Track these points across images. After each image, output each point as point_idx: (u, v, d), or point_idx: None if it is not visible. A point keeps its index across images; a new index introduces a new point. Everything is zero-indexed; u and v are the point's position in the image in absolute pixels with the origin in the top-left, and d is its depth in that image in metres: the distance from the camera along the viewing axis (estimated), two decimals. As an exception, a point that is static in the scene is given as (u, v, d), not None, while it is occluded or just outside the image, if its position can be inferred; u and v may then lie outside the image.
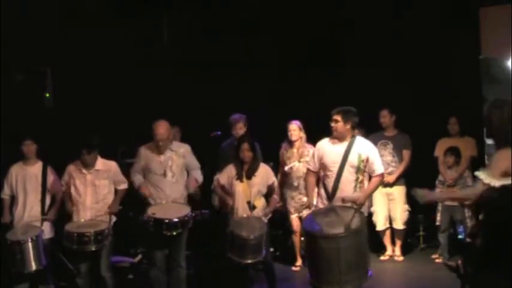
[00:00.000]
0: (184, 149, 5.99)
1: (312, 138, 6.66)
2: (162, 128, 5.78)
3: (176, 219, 5.53)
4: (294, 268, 7.19)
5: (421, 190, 4.20)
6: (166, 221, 5.51)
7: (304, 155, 6.90)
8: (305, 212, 6.74)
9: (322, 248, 4.92)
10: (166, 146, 5.84)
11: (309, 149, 6.89)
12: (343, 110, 5.56)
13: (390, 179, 7.41)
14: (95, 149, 5.89)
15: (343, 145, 5.53)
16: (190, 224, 5.70)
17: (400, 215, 7.54)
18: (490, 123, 3.80)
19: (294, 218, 7.08)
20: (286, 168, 7.00)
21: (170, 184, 5.81)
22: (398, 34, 8.12)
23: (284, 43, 8.51)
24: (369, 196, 5.76)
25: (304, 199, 6.88)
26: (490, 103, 3.88)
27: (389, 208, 7.57)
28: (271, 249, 6.68)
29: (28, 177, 5.99)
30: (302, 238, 7.38)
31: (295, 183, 6.97)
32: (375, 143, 7.29)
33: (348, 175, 5.49)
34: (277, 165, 7.15)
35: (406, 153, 7.48)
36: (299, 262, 7.21)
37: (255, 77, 8.39)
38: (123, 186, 6.02)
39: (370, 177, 5.72)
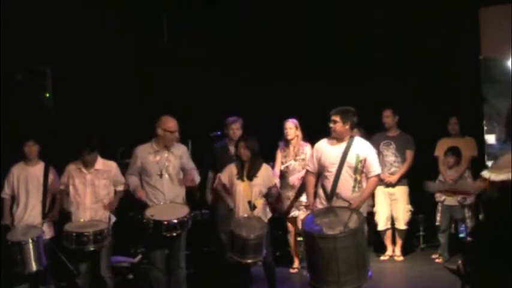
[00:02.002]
0: (181, 150, 5.95)
1: (313, 139, 6.66)
2: (174, 123, 5.76)
3: (175, 220, 5.48)
4: (291, 270, 7.13)
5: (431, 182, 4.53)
6: (165, 222, 5.46)
7: (299, 153, 6.88)
8: (301, 213, 6.75)
9: (320, 248, 4.93)
10: (172, 143, 5.81)
11: (304, 147, 6.88)
12: (342, 110, 5.55)
13: (393, 179, 7.41)
14: (95, 149, 5.89)
15: (342, 146, 5.53)
16: (189, 225, 5.66)
17: (403, 215, 7.54)
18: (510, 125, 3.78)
19: (290, 218, 6.99)
20: (282, 167, 6.94)
21: (167, 185, 5.77)
22: (398, 34, 8.12)
23: (285, 43, 8.51)
24: (366, 200, 5.71)
25: (301, 199, 6.87)
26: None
27: (392, 208, 7.57)
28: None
29: (30, 178, 5.99)
30: (299, 238, 7.41)
31: (291, 183, 6.93)
32: (378, 143, 7.35)
33: (346, 176, 5.49)
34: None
35: (409, 154, 7.48)
36: (296, 263, 7.16)
37: (255, 77, 8.39)
38: (122, 187, 5.99)
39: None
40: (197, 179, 5.98)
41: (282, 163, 6.98)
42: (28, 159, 6.03)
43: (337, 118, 5.50)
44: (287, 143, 6.99)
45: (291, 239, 7.14)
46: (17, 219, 5.95)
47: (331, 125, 5.54)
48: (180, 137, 7.04)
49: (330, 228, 5.03)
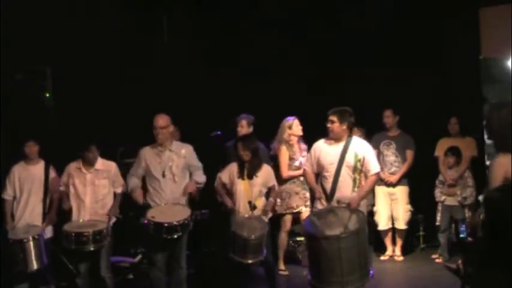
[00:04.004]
0: (186, 149, 5.91)
1: (313, 139, 6.67)
2: (161, 119, 5.73)
3: (176, 223, 5.44)
4: (282, 272, 6.94)
5: None
6: (166, 224, 5.42)
7: (303, 150, 6.89)
8: (307, 210, 6.76)
9: (324, 248, 4.91)
10: (167, 141, 5.78)
11: (302, 145, 6.92)
12: (339, 110, 5.57)
13: (393, 179, 7.42)
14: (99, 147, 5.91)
15: (340, 146, 5.54)
16: (190, 227, 5.63)
17: (403, 215, 7.54)
18: (489, 125, 3.77)
19: (288, 217, 6.95)
20: (296, 163, 6.88)
21: (170, 185, 5.74)
22: (398, 34, 8.12)
23: (284, 43, 8.51)
24: (365, 197, 5.70)
25: (308, 194, 6.87)
26: (491, 105, 3.85)
27: (392, 208, 7.57)
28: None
29: (31, 178, 6.00)
30: (298, 238, 7.39)
31: (301, 178, 6.83)
32: (378, 143, 7.37)
33: (346, 175, 5.50)
34: (276, 166, 7.09)
35: (409, 154, 7.48)
36: (282, 265, 6.99)
37: (255, 76, 8.39)
38: (120, 189, 5.98)
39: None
40: (202, 179, 5.93)
41: (293, 159, 6.93)
42: (29, 158, 6.04)
43: (334, 118, 5.52)
44: (292, 140, 6.95)
45: (284, 237, 7.02)
46: (17, 218, 5.96)
47: (329, 125, 5.56)
48: (180, 135, 7.10)
49: (330, 229, 5.03)
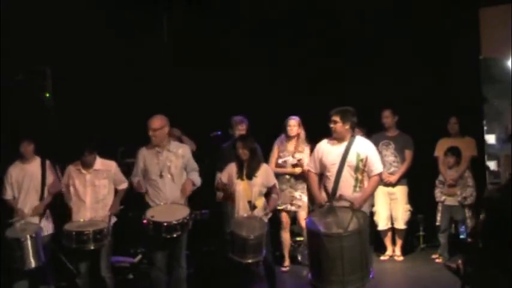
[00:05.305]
0: (183, 149, 5.93)
1: (312, 139, 6.68)
2: (156, 121, 5.73)
3: (175, 222, 5.46)
4: (283, 269, 7.10)
5: None
6: (165, 224, 5.44)
7: (298, 152, 6.91)
8: (303, 212, 6.83)
9: (325, 247, 4.92)
10: (164, 142, 5.79)
11: (305, 147, 6.96)
12: (341, 110, 5.57)
13: (392, 179, 7.42)
14: (95, 149, 5.90)
15: (342, 145, 5.54)
16: (190, 226, 5.64)
17: (402, 215, 7.54)
18: None
19: (282, 212, 7.05)
20: (280, 161, 7.01)
21: (169, 185, 5.75)
22: (398, 34, 8.12)
23: (284, 43, 8.51)
24: (368, 198, 5.71)
25: (295, 193, 6.97)
26: None
27: (391, 208, 7.57)
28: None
29: (29, 177, 6.04)
30: (298, 238, 7.42)
31: (287, 176, 7.00)
32: (377, 143, 7.36)
33: (347, 175, 5.50)
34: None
35: (408, 154, 7.48)
36: (287, 262, 7.17)
37: (255, 76, 8.39)
38: (123, 186, 6.01)
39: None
40: (198, 181, 5.95)
41: (280, 157, 7.05)
42: (25, 158, 6.08)
43: (336, 118, 5.53)
44: (288, 139, 7.05)
45: (285, 235, 7.14)
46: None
47: (331, 125, 5.56)
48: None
49: (330, 228, 5.03)
